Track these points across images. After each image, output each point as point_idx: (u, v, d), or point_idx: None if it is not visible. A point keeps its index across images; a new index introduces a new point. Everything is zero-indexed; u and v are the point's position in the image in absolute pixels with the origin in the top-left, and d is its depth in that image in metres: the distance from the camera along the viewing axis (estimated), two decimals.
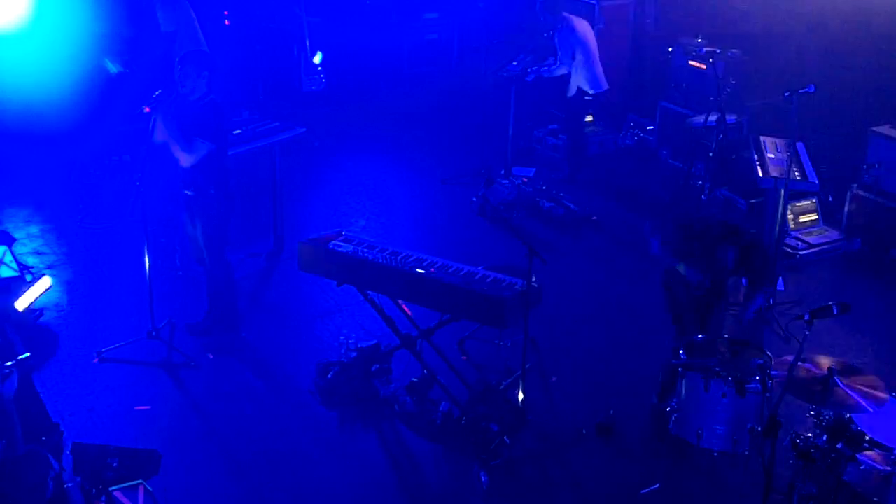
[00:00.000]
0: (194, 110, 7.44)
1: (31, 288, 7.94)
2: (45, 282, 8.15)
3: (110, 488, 5.66)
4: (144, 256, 7.65)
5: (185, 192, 7.68)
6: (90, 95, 9.92)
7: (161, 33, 9.72)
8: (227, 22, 11.37)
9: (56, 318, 8.21)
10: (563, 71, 10.65)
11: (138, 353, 7.75)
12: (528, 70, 10.79)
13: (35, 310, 8.08)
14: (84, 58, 9.85)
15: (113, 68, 9.45)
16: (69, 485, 5.55)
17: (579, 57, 10.55)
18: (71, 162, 10.28)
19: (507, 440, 6.77)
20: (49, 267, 8.94)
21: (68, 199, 10.03)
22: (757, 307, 6.74)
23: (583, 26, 10.74)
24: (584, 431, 7.02)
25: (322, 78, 12.07)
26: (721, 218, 7.52)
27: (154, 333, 7.76)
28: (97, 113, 9.83)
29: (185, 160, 7.43)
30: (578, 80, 10.66)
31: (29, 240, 9.38)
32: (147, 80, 8.92)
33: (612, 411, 7.08)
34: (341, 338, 7.69)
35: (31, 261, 8.95)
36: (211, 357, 7.82)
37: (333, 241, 7.13)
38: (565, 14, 10.62)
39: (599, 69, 10.73)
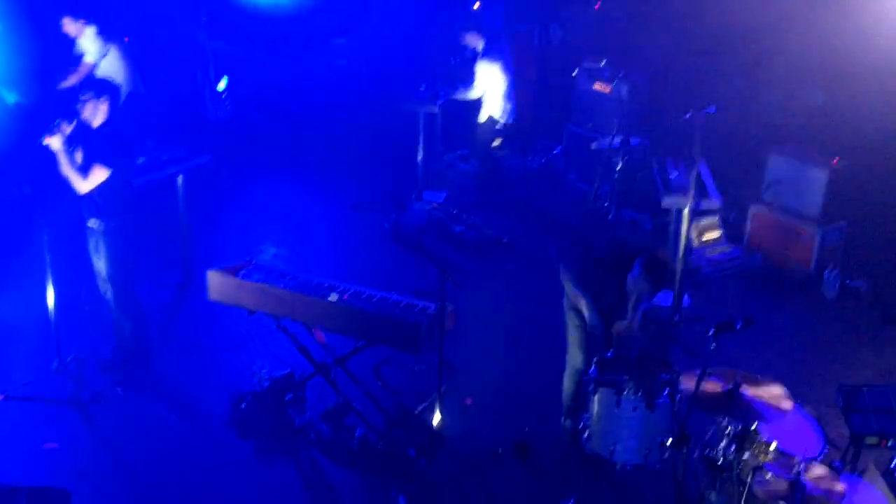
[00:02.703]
0: (94, 137, 7.34)
1: None
2: None
3: None
4: (48, 291, 7.49)
5: (89, 223, 7.56)
6: None
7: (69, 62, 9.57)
8: None
9: None
10: (472, 94, 10.73)
11: (45, 390, 7.56)
12: (438, 95, 10.87)
13: None
14: None
15: (10, 98, 9.24)
16: None
17: (499, 82, 10.62)
18: None
19: (425, 463, 6.79)
20: None
21: None
22: (643, 309, 6.87)
23: (507, 55, 10.87)
24: (500, 451, 7.07)
25: (227, 105, 11.97)
26: (619, 242, 7.64)
27: (60, 369, 7.60)
28: None
29: (82, 187, 7.31)
30: (492, 109, 10.75)
31: None
32: (46, 110, 8.73)
33: (526, 430, 7.15)
34: (254, 368, 7.60)
35: None
36: (120, 392, 7.67)
37: (243, 270, 7.08)
38: (490, 41, 10.73)
39: (512, 101, 10.85)
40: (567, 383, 7.05)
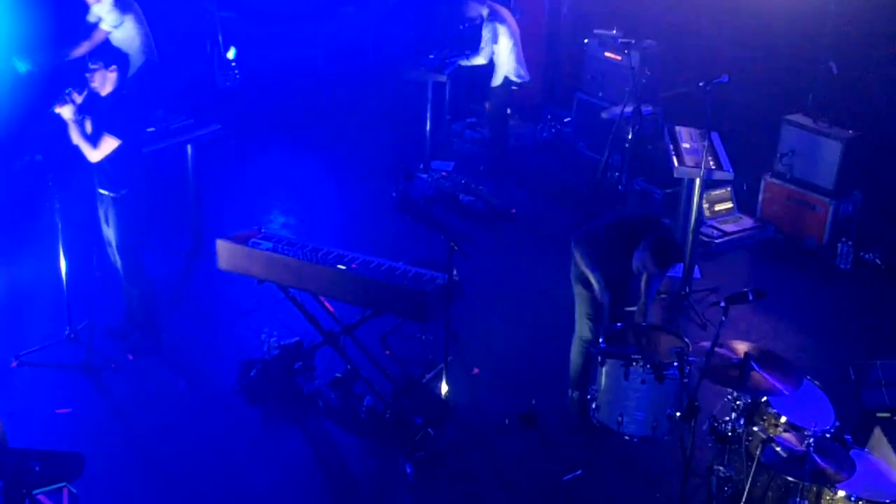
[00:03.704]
0: (104, 107, 7.33)
1: None
2: None
3: (34, 492, 5.57)
4: (60, 258, 7.52)
5: (100, 191, 7.57)
6: None
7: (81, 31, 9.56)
8: None
9: None
10: (479, 61, 10.66)
11: (57, 356, 7.62)
12: (446, 63, 10.79)
13: None
14: None
15: (22, 67, 9.24)
16: None
17: (508, 44, 10.54)
18: None
19: (432, 432, 6.80)
20: None
21: None
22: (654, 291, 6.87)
23: (510, 17, 10.77)
24: (507, 421, 7.08)
25: (236, 74, 11.94)
26: (627, 217, 7.57)
27: (72, 335, 7.68)
28: (6, 113, 9.59)
29: (93, 156, 7.33)
30: (507, 71, 10.67)
31: None
32: (57, 79, 8.74)
33: (534, 401, 7.15)
34: (263, 336, 7.62)
35: None
36: (131, 358, 7.71)
37: (252, 239, 7.08)
38: (493, 5, 10.63)
39: (523, 60, 10.78)
40: (574, 355, 7.03)
